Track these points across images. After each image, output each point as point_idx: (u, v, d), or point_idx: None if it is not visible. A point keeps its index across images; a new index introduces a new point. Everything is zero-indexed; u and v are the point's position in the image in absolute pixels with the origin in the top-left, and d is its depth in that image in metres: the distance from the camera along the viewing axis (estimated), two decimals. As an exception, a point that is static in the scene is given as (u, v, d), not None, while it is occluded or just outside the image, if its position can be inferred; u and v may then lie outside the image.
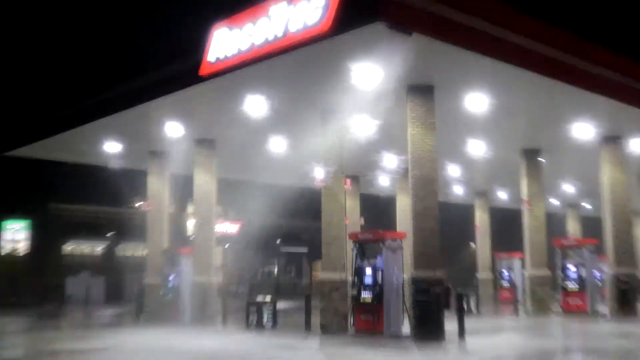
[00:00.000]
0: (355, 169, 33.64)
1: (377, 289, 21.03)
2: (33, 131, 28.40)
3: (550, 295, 30.57)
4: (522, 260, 34.79)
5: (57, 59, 58.96)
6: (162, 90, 21.92)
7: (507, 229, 48.09)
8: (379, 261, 21.30)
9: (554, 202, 47.90)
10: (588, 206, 50.02)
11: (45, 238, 54.91)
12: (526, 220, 30.43)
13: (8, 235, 54.41)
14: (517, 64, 18.60)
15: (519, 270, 41.17)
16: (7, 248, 52.25)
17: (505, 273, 43.56)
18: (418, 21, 16.12)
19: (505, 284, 43.14)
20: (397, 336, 20.34)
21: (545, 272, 30.03)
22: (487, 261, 44.31)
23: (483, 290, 42.36)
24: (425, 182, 20.28)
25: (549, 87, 20.57)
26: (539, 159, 30.48)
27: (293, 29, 16.77)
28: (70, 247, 59.50)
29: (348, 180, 25.18)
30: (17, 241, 54.39)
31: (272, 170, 33.62)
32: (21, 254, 53.09)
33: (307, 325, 22.27)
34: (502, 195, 44.67)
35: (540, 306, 29.61)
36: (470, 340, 19.00)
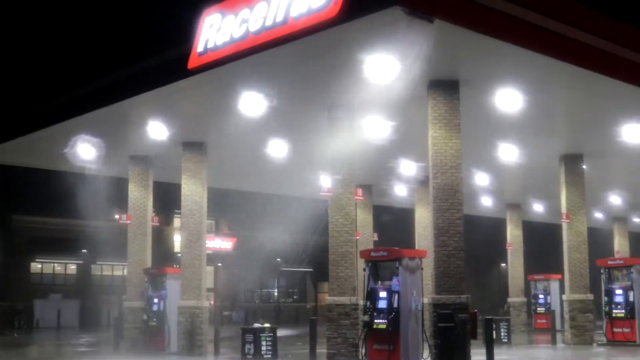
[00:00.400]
0: (368, 177, 33.58)
1: (393, 315, 20.89)
2: (-5, 132, 28.41)
3: (593, 322, 30.41)
4: (561, 282, 34.64)
5: (23, 52, 59.02)
6: (144, 85, 21.85)
7: (543, 246, 48.07)
8: (394, 283, 21.17)
9: (599, 215, 47.76)
10: (638, 220, 49.87)
11: (9, 255, 54.89)
12: (566, 236, 30.29)
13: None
14: (557, 55, 18.45)
15: (556, 293, 41.17)
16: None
17: (541, 297, 43.57)
18: (441, 5, 16.03)
19: (541, 309, 43.12)
20: (415, 370, 20.23)
21: (587, 296, 29.88)
22: (520, 283, 44.15)
23: (515, 316, 42.21)
24: (448, 192, 20.19)
25: (594, 82, 20.43)
26: (582, 166, 30.34)
27: (295, 14, 16.67)
28: (38, 266, 59.53)
29: (359, 190, 25.07)
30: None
31: (271, 178, 33.58)
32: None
33: (312, 356, 22.19)
34: (538, 207, 44.58)
35: (582, 335, 29.45)
36: (500, 375, 18.87)
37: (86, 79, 24.98)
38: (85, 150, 27.37)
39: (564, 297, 30.64)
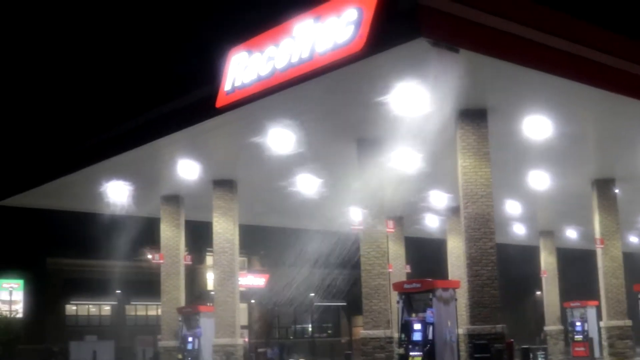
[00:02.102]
0: (399, 208, 33.50)
1: (428, 347, 20.78)
2: (28, 176, 28.68)
3: (633, 349, 30.01)
4: (598, 308, 34.25)
5: (56, 96, 59.78)
6: (174, 125, 22.02)
7: (578, 273, 47.49)
8: (429, 314, 21.08)
9: (634, 239, 47.27)
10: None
11: (44, 297, 55.24)
12: (601, 262, 29.98)
13: (4, 295, 54.78)
14: (585, 80, 18.39)
15: (594, 320, 40.64)
16: (3, 310, 52.55)
17: (578, 324, 42.98)
18: (466, 35, 16.05)
19: (579, 337, 42.54)
20: (453, 403, 20.05)
21: (625, 322, 29.49)
22: (556, 311, 43.70)
23: (552, 345, 41.74)
24: (480, 221, 20.09)
25: (623, 105, 20.30)
26: (614, 190, 30.10)
27: (321, 49, 16.75)
28: (73, 308, 59.79)
29: (390, 222, 25.04)
30: (14, 302, 54.71)
31: (302, 213, 33.59)
32: (19, 317, 53.35)
33: (348, 392, 22.08)
34: (571, 234, 44.20)
35: (621, 363, 29.08)
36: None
37: (116, 121, 25.23)
38: (117, 192, 27.62)
39: (602, 323, 30.28)
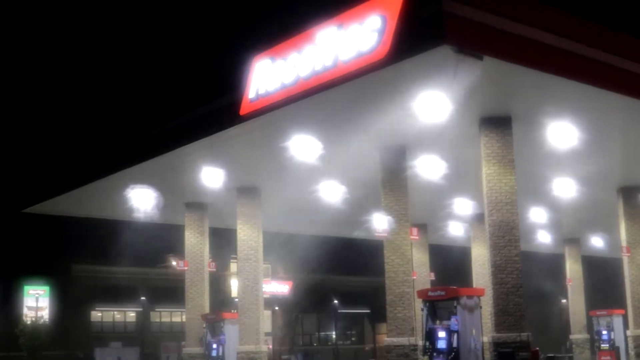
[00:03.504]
0: (423, 216, 33.42)
1: (453, 355, 20.70)
2: (54, 184, 28.88)
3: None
4: (624, 317, 33.98)
5: (81, 103, 60.14)
6: (198, 132, 22.08)
7: (604, 281, 47.13)
8: (453, 322, 21.00)
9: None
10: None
11: (69, 304, 55.55)
12: (627, 270, 29.79)
13: (30, 301, 55.13)
14: (610, 87, 18.29)
15: (620, 329, 40.34)
16: (29, 316, 52.87)
17: (604, 333, 42.67)
18: (490, 42, 16.00)
19: (605, 346, 42.22)
20: (478, 411, 19.96)
21: (652, 331, 29.30)
22: (582, 319, 43.40)
23: (578, 353, 41.44)
24: (504, 229, 20.01)
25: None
26: (640, 197, 29.93)
27: (344, 57, 16.76)
28: (98, 314, 60.10)
29: (414, 230, 24.99)
30: (40, 308, 55.07)
31: (326, 220, 33.57)
32: (44, 323, 53.70)
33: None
34: (597, 242, 43.88)
35: (649, 372, 28.84)
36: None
37: (141, 128, 25.35)
38: (142, 199, 27.72)
39: (628, 332, 30.07)
